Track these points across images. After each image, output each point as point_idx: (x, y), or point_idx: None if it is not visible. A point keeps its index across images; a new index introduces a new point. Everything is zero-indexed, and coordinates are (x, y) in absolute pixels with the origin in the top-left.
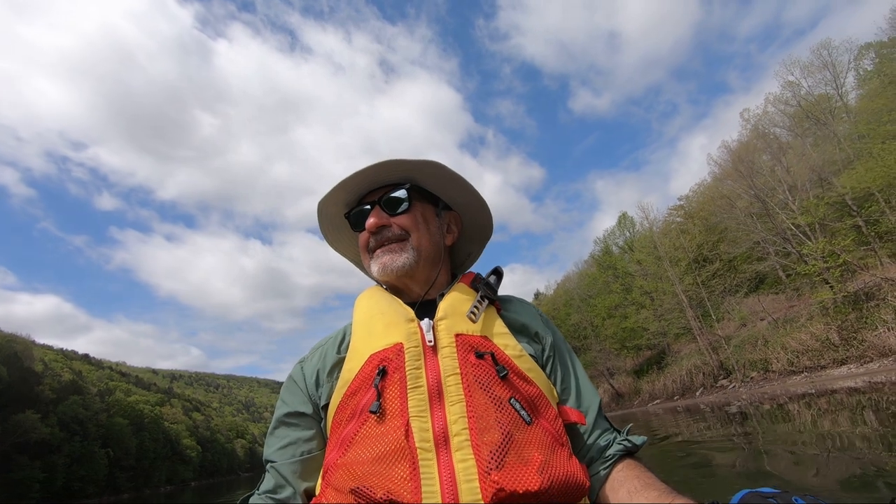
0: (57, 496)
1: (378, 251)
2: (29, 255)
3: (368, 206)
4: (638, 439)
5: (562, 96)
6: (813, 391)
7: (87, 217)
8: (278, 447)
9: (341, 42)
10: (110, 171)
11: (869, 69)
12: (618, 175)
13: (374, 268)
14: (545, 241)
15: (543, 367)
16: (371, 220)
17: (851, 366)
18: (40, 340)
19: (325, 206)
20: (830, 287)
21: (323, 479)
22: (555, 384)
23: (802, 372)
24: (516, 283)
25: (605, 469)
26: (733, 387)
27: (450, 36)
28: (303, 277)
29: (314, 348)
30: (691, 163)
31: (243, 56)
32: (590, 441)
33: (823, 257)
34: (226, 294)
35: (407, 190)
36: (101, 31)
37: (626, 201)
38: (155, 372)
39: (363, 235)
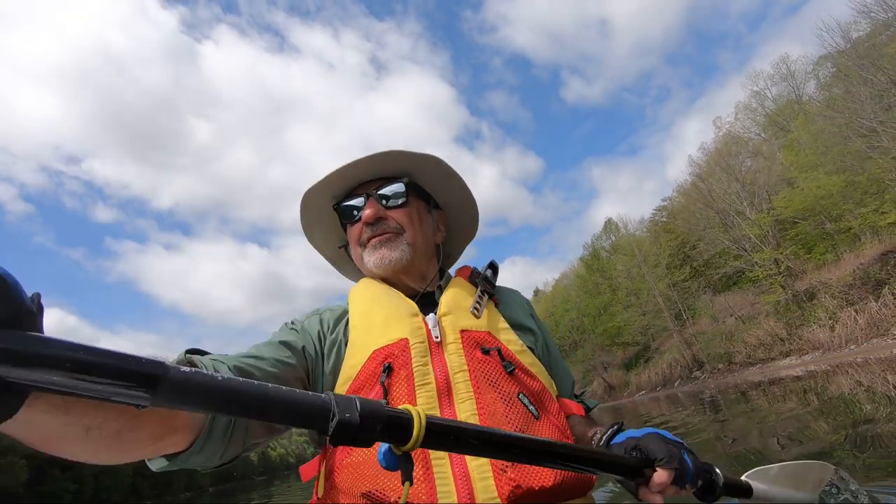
0: None
1: (373, 241)
2: (29, 270)
3: (361, 198)
4: (591, 402)
5: (554, 86)
6: (766, 380)
7: (84, 230)
8: (246, 356)
9: (330, 40)
10: (105, 183)
11: (828, 78)
12: (613, 161)
13: (371, 259)
14: (545, 231)
15: (540, 359)
16: (368, 212)
17: (793, 357)
18: None
19: (311, 197)
20: (783, 287)
21: (327, 480)
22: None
23: (757, 363)
24: (517, 276)
25: None
26: (704, 377)
27: (438, 30)
28: (303, 279)
29: (323, 310)
30: (687, 146)
31: (232, 58)
32: None
33: (773, 263)
34: (227, 300)
35: (405, 184)
36: (87, 40)
37: (622, 188)
38: None
39: (356, 228)
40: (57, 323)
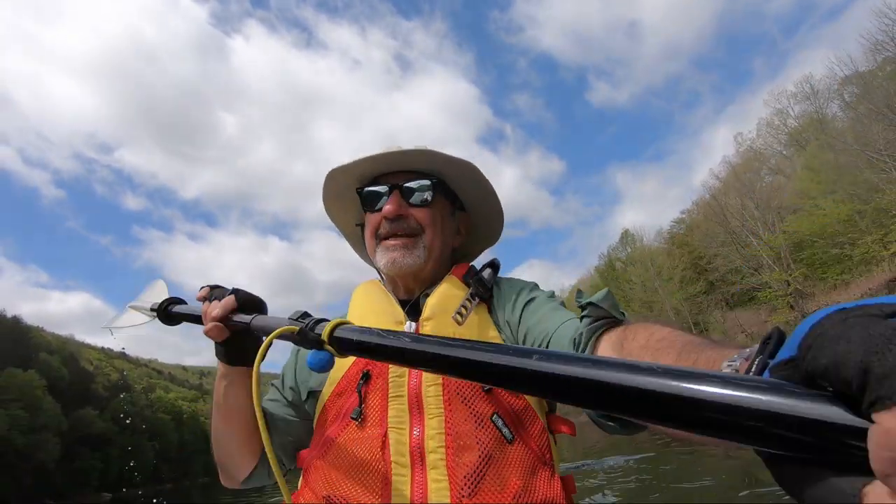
0: (113, 484)
1: (389, 241)
2: (60, 255)
3: (385, 188)
4: (597, 296)
5: (580, 88)
6: None
7: (113, 217)
8: (269, 398)
9: (356, 37)
10: (135, 172)
11: (853, 98)
12: (639, 166)
13: (382, 260)
14: (565, 235)
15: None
16: (390, 207)
17: None
18: (78, 337)
19: (336, 175)
20: (791, 308)
21: (303, 476)
22: (536, 335)
23: None
24: (535, 280)
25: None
26: None
27: (464, 29)
28: (322, 274)
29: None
30: (715, 154)
31: (261, 52)
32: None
33: (783, 284)
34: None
35: (433, 183)
36: (121, 31)
37: (647, 194)
38: (185, 368)
39: (375, 217)
40: (83, 305)
